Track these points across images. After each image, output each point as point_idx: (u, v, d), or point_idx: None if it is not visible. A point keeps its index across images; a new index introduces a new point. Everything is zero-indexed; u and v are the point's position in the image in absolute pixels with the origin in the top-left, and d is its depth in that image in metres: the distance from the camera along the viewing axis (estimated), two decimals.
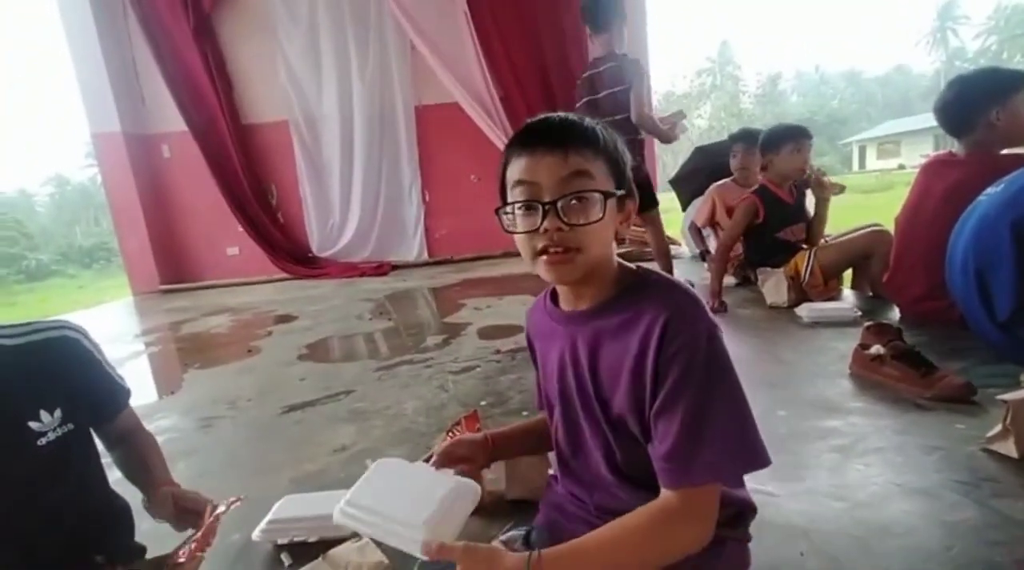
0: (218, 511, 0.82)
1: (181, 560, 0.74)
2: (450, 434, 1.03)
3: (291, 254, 4.96)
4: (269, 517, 1.00)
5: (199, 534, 0.79)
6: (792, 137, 2.34)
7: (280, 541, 0.97)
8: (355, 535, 0.96)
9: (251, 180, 4.93)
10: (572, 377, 0.64)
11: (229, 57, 4.84)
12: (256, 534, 0.98)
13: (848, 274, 2.45)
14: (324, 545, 0.95)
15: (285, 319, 3.19)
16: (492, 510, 1.04)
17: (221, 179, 4.84)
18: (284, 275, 4.92)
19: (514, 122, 4.70)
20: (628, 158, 0.63)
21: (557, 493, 0.75)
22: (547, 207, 0.56)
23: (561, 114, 0.61)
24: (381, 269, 4.76)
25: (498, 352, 2.06)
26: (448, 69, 4.61)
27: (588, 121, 0.61)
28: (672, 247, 4.09)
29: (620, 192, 0.60)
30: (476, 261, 4.86)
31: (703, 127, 39.48)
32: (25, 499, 0.77)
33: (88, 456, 0.85)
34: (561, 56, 4.62)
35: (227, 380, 2.11)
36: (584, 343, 0.63)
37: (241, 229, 4.93)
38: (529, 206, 0.58)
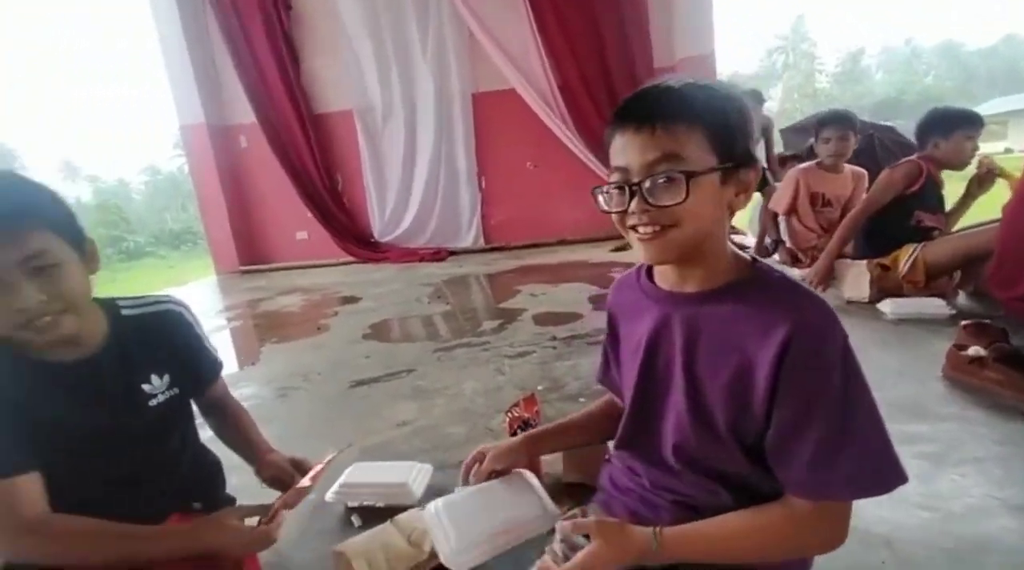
0: (330, 457, 0.87)
1: (307, 483, 0.81)
2: (508, 414, 1.06)
3: (355, 239, 5.18)
4: (341, 481, 1.07)
5: (312, 474, 0.84)
6: (966, 124, 2.06)
7: (351, 503, 1.04)
8: (419, 504, 1.01)
9: (319, 168, 5.17)
10: (660, 358, 0.64)
11: (299, 51, 5.07)
12: (329, 495, 1.06)
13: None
14: (390, 511, 1.02)
15: (350, 300, 3.36)
16: (549, 492, 1.06)
17: (291, 167, 5.12)
18: (348, 258, 5.16)
19: (572, 109, 4.64)
20: (746, 125, 0.57)
21: (613, 467, 0.76)
22: (634, 188, 0.56)
23: (663, 83, 0.58)
24: (439, 255, 4.88)
25: (554, 339, 2.07)
26: (506, 55, 4.60)
27: (690, 88, 0.57)
28: (736, 237, 3.91)
29: (723, 166, 0.55)
30: (531, 248, 4.87)
31: (774, 110, 37.04)
32: (140, 452, 0.87)
33: (188, 418, 0.94)
34: (622, 42, 4.49)
35: (300, 355, 2.26)
36: (681, 326, 0.61)
37: (309, 215, 5.21)
38: (620, 186, 0.58)
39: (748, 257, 0.61)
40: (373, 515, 1.02)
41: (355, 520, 1.02)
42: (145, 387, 0.85)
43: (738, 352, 0.56)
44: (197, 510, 0.92)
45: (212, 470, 0.99)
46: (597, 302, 2.59)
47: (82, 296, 0.77)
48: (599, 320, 2.27)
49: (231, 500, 0.99)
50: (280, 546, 0.97)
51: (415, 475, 1.07)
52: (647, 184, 0.55)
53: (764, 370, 0.53)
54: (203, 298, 4.15)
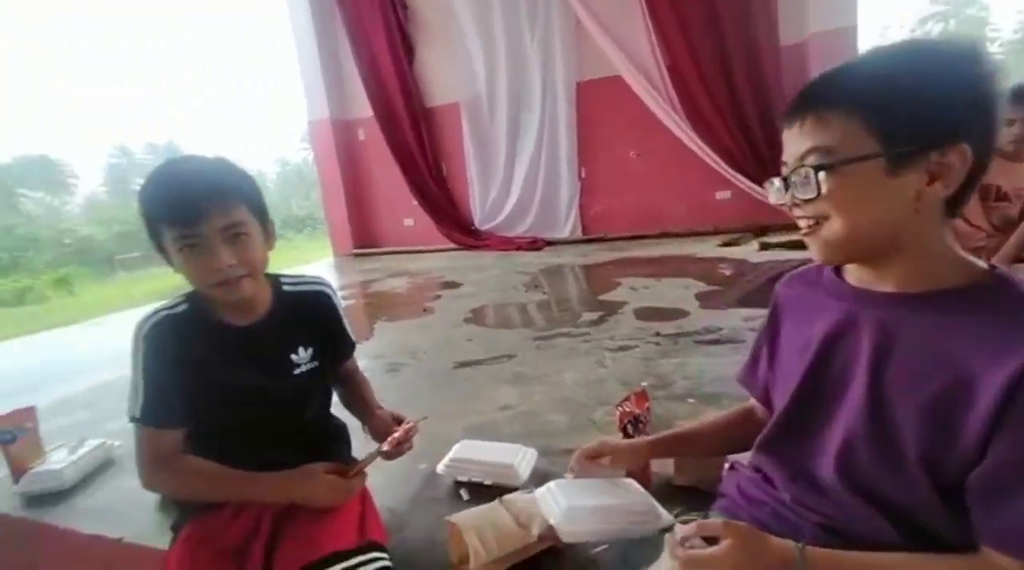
0: (409, 425, 0.93)
1: (385, 448, 0.88)
2: (620, 409, 1.02)
3: (457, 226, 5.40)
4: (451, 455, 1.12)
5: (390, 440, 0.90)
6: None
7: (460, 478, 1.09)
8: (525, 486, 1.03)
9: (426, 159, 5.45)
10: (836, 362, 0.57)
11: (413, 48, 5.36)
12: (440, 468, 1.11)
13: None
14: (497, 489, 1.04)
15: (451, 285, 3.51)
16: (657, 495, 1.02)
17: (401, 158, 5.45)
18: (450, 245, 5.40)
19: (681, 93, 4.37)
20: (939, 96, 0.47)
21: (741, 475, 0.70)
22: (787, 182, 0.54)
23: (840, 65, 0.52)
24: (536, 244, 4.92)
25: (657, 335, 1.98)
26: (613, 40, 4.45)
27: (861, 64, 0.51)
28: None
29: (892, 151, 0.47)
30: (631, 240, 4.71)
31: None
32: (282, 415, 0.97)
33: (325, 389, 1.04)
34: (743, 16, 4.11)
35: (408, 333, 2.42)
36: (872, 329, 0.54)
37: (416, 203, 5.52)
38: (782, 179, 0.56)
39: (983, 263, 0.51)
40: (480, 491, 1.06)
41: (463, 494, 1.06)
42: (293, 357, 0.95)
43: (951, 370, 0.47)
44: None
45: (339, 435, 1.08)
46: (705, 299, 2.43)
47: (262, 265, 0.88)
48: (708, 318, 2.13)
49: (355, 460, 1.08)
50: (398, 508, 1.04)
51: (521, 458, 1.09)
52: (793, 178, 0.53)
53: (989, 396, 0.44)
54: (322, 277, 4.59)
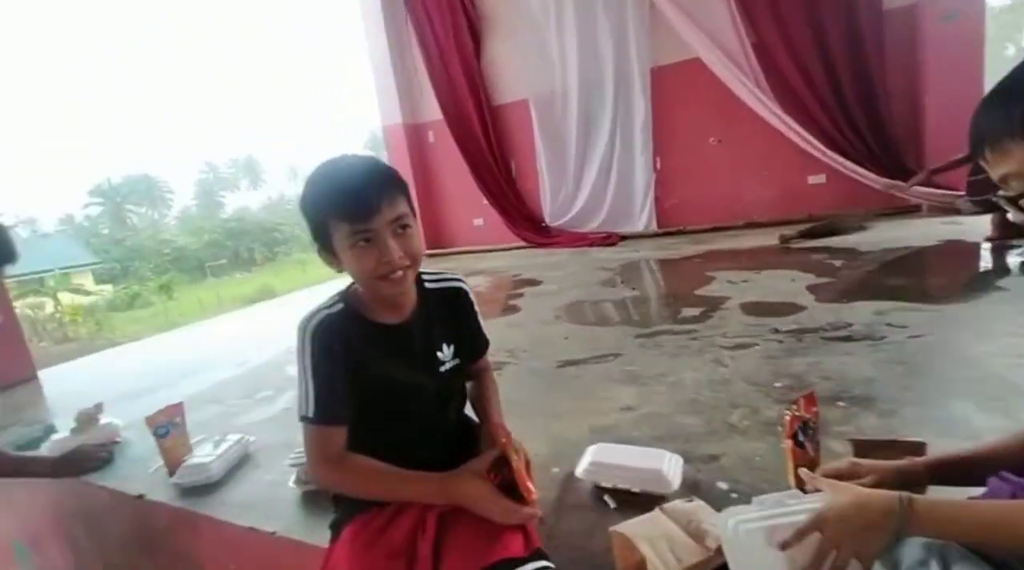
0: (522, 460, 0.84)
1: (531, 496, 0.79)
2: (789, 414, 0.92)
3: (526, 224, 5.37)
4: (589, 459, 1.07)
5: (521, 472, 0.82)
6: None
7: (603, 484, 1.03)
8: (674, 495, 0.95)
9: (495, 158, 5.46)
10: None
11: (482, 48, 5.38)
12: (580, 472, 1.06)
13: None
14: (646, 498, 0.98)
15: (531, 283, 3.47)
16: None
17: (470, 158, 5.49)
18: (519, 243, 5.38)
19: (769, 71, 4.07)
20: None
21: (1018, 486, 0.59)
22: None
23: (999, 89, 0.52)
24: (609, 239, 4.78)
25: (776, 332, 1.83)
26: (690, 20, 4.22)
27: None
28: None
29: None
30: (713, 233, 4.46)
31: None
32: (435, 412, 0.97)
33: (462, 386, 1.03)
34: None
35: (501, 332, 2.40)
36: None
37: (485, 202, 5.55)
38: None
39: None
40: (626, 500, 1.00)
41: (609, 501, 1.00)
42: (439, 354, 0.94)
43: None
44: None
45: (474, 432, 1.06)
46: (820, 292, 2.23)
47: (421, 257, 0.88)
48: (829, 313, 1.94)
49: None
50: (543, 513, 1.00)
51: (668, 464, 1.02)
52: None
53: None
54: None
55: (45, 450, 1.65)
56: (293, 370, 2.30)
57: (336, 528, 0.93)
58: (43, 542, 1.84)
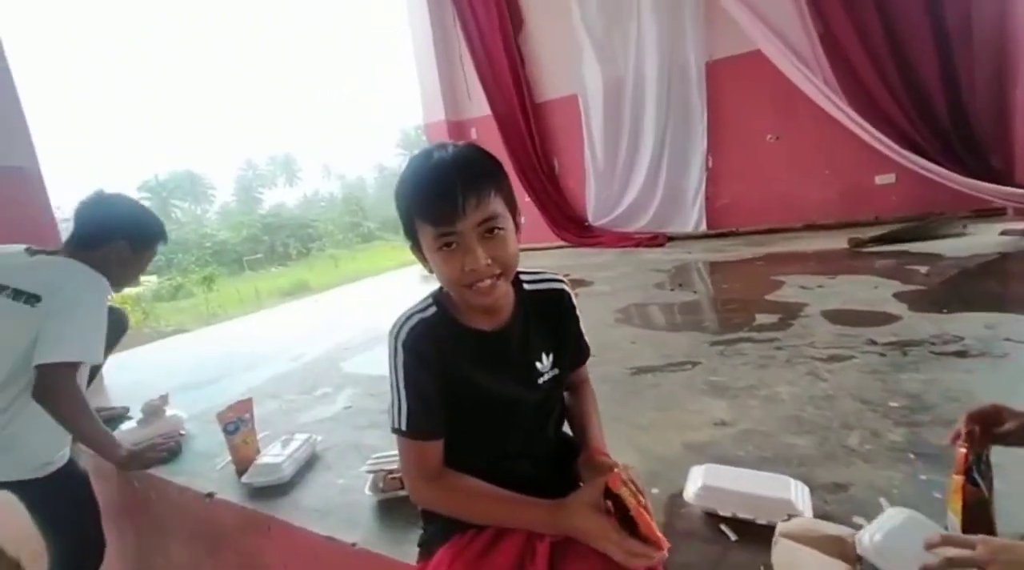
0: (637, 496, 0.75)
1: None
2: (962, 445, 0.79)
3: (570, 223, 5.25)
4: (701, 483, 0.96)
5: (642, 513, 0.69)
6: None
7: (720, 512, 0.92)
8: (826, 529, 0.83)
9: (537, 155, 5.36)
10: None
11: (528, 44, 5.29)
12: (691, 497, 0.95)
13: None
14: (770, 530, 0.86)
15: (581, 283, 3.36)
16: None
17: (513, 155, 5.40)
18: (559, 243, 5.26)
19: (837, 64, 3.83)
20: None
21: None
22: None
23: None
24: (656, 240, 4.62)
25: (872, 343, 1.67)
26: (752, 10, 4.01)
27: None
28: None
29: None
30: (769, 234, 4.25)
31: None
32: (532, 427, 0.88)
33: (561, 400, 0.93)
34: None
35: None
36: None
37: (528, 200, 5.45)
38: None
39: None
40: (747, 531, 0.89)
41: (727, 532, 0.89)
42: (538, 364, 0.85)
43: None
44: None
45: (573, 451, 0.97)
46: (913, 301, 2.04)
47: (515, 265, 0.78)
48: (929, 324, 1.77)
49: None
50: None
51: (797, 493, 0.90)
52: None
53: None
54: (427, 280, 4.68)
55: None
56: (349, 366, 2.27)
57: (427, 546, 0.86)
58: (106, 531, 1.85)
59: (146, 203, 1.63)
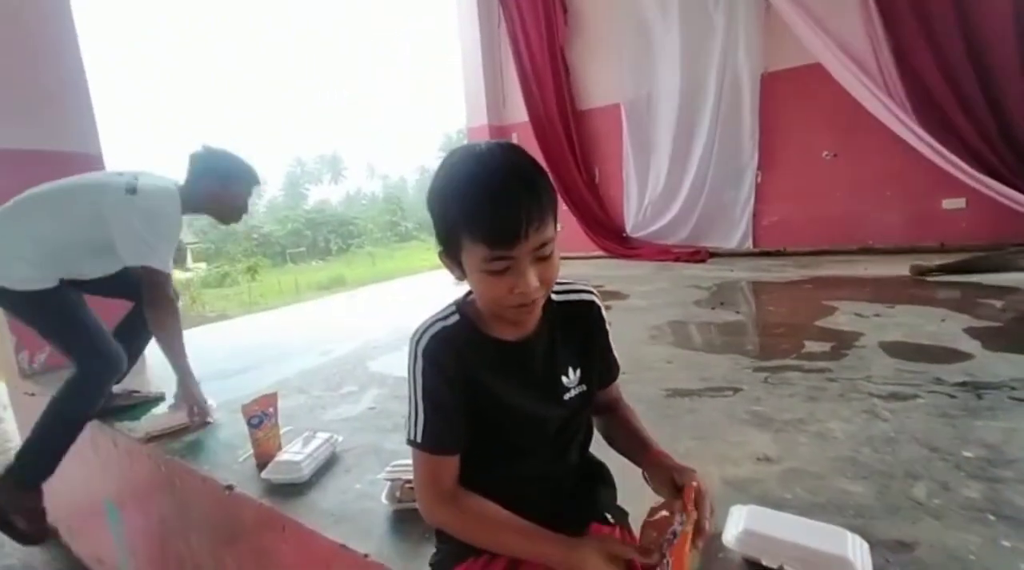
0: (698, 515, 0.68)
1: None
2: None
3: (607, 233, 5.15)
4: (744, 526, 0.87)
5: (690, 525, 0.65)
6: None
7: (764, 562, 0.83)
8: None
9: (577, 163, 5.29)
10: None
11: (574, 51, 5.24)
12: (732, 541, 0.86)
13: None
14: None
15: (615, 295, 3.26)
16: None
17: (552, 163, 5.34)
18: (596, 253, 5.16)
19: (907, 77, 3.59)
20: None
21: None
22: None
23: None
24: (697, 255, 4.46)
25: (939, 382, 1.52)
26: (815, 21, 3.82)
27: None
28: None
29: None
30: (819, 256, 4.02)
31: None
32: (555, 446, 0.81)
33: (588, 420, 0.87)
34: None
35: None
36: None
37: (564, 208, 5.38)
38: None
39: None
40: None
41: None
42: (563, 379, 0.80)
43: None
44: (611, 524, 0.84)
45: (602, 476, 0.90)
46: (988, 339, 1.85)
47: (555, 281, 0.73)
48: (1008, 366, 1.59)
49: (623, 513, 0.89)
50: None
51: (854, 549, 0.80)
52: None
53: None
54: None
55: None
56: (375, 365, 2.25)
57: (439, 567, 0.81)
58: (132, 508, 1.90)
59: None
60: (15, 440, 3.62)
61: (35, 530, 1.59)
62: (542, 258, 0.67)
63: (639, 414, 0.90)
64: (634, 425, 0.86)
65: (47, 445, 1.60)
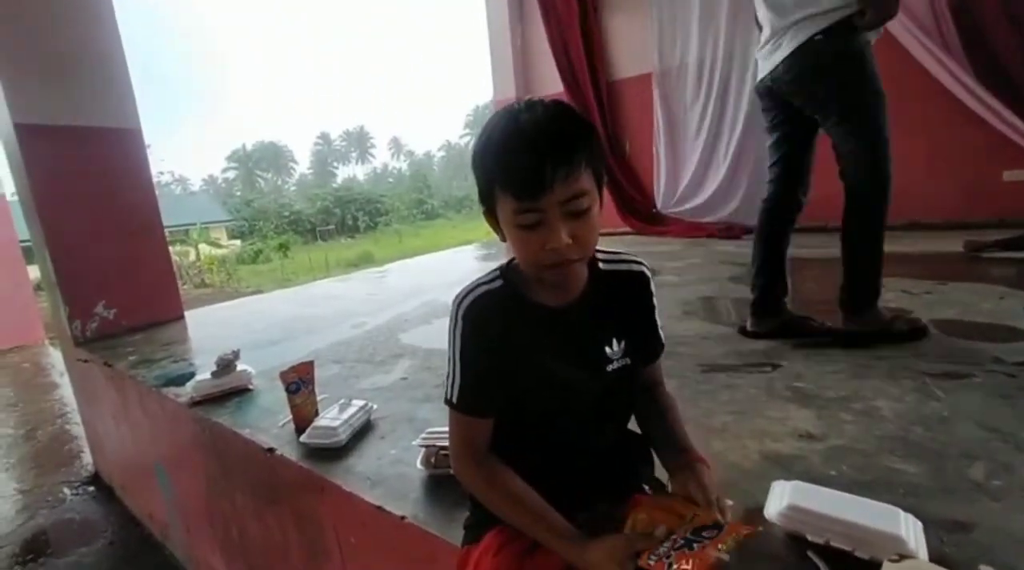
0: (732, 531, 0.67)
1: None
2: None
3: (638, 209, 5.03)
4: (788, 501, 0.84)
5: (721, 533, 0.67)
6: None
7: (810, 537, 0.80)
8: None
9: (608, 135, 5.14)
10: None
11: (606, 19, 5.04)
12: (775, 515, 0.84)
13: None
14: (867, 565, 0.74)
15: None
16: None
17: None
18: (623, 229, 5.06)
19: (966, 33, 3.30)
20: None
21: None
22: None
23: None
24: (732, 232, 4.31)
25: (998, 361, 1.43)
26: None
27: None
28: None
29: None
30: None
31: None
32: (593, 417, 0.81)
33: (631, 392, 0.85)
34: None
35: None
36: None
37: None
38: None
39: None
40: (842, 561, 0.76)
41: (816, 560, 0.77)
42: (607, 350, 0.79)
43: None
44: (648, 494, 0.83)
45: (641, 454, 0.88)
46: None
47: (594, 246, 0.72)
48: None
49: (660, 484, 0.87)
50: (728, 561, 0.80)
51: (907, 527, 0.76)
52: None
53: None
54: (483, 259, 4.65)
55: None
56: (407, 338, 2.28)
57: (473, 530, 0.82)
58: (180, 470, 2.00)
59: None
60: (71, 405, 3.86)
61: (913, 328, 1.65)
62: (575, 214, 0.65)
63: (672, 391, 0.89)
64: (669, 422, 0.83)
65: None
